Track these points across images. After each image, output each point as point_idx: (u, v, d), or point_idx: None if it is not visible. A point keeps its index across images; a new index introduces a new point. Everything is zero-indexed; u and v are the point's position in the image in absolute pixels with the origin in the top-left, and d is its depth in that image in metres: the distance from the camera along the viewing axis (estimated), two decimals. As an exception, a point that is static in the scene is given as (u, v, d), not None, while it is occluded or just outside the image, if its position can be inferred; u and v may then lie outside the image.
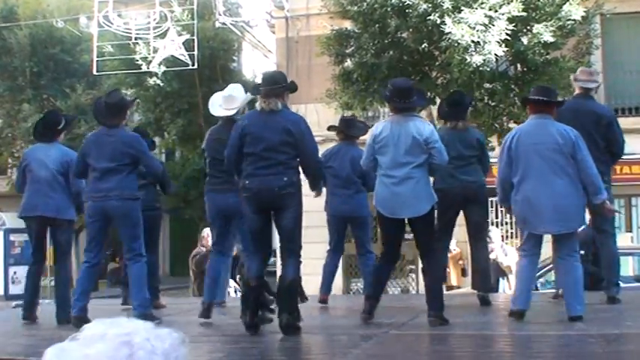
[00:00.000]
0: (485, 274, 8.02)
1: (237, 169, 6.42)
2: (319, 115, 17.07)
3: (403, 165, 6.49)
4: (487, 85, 13.73)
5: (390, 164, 6.55)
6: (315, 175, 6.59)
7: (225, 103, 7.23)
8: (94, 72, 20.85)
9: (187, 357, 1.33)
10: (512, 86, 14.15)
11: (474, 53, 12.92)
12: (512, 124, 14.31)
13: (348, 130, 8.80)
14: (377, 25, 14.30)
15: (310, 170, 6.48)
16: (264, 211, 6.29)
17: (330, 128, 9.15)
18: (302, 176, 6.50)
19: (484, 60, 13.05)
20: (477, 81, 13.43)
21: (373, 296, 6.72)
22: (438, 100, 14.71)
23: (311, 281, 8.95)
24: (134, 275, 7.33)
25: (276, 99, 6.35)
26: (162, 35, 20.21)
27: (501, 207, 7.25)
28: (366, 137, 7.20)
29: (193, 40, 19.63)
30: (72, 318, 7.11)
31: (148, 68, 21.17)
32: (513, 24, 13.14)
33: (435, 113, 15.26)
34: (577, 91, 7.96)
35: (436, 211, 7.07)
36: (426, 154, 6.50)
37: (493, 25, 12.91)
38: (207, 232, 10.98)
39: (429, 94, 14.56)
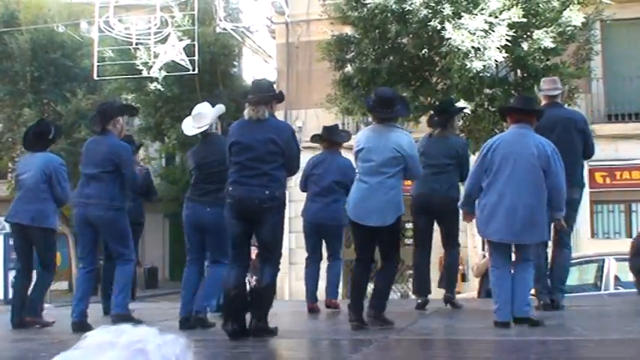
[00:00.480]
0: (453, 278, 8.49)
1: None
2: (319, 120, 17.05)
3: (378, 174, 6.57)
4: (487, 91, 13.74)
5: (367, 171, 6.64)
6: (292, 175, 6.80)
7: (195, 121, 7.25)
8: (95, 77, 20.89)
9: None
10: (513, 92, 14.15)
11: (474, 59, 12.93)
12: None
13: (332, 136, 8.81)
14: (377, 31, 14.33)
15: (290, 174, 6.60)
16: (245, 220, 6.25)
17: (312, 138, 9.16)
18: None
19: (484, 66, 13.07)
20: (477, 86, 13.45)
21: (354, 303, 6.69)
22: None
23: (302, 286, 8.99)
24: (119, 276, 7.34)
25: (264, 107, 6.33)
26: (163, 40, 20.24)
27: (460, 206, 7.25)
28: (351, 143, 7.27)
29: (194, 45, 19.67)
30: (72, 323, 7.12)
31: (149, 73, 21.21)
32: (513, 30, 13.16)
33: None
34: (544, 101, 8.00)
35: (412, 217, 7.39)
36: (401, 165, 6.59)
37: (493, 31, 12.93)
38: None
39: (428, 99, 14.60)
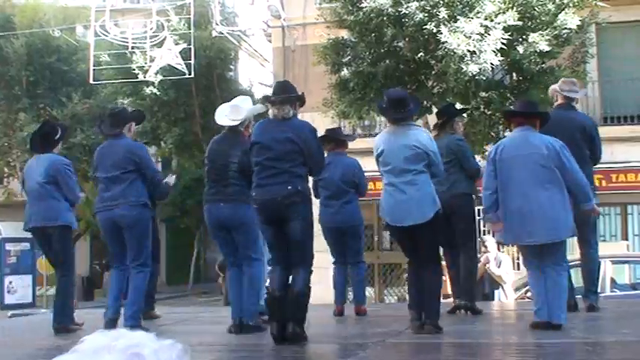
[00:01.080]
0: (468, 283, 8.10)
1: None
2: (316, 124, 17.01)
3: (405, 172, 6.48)
4: (483, 94, 13.77)
5: (392, 173, 6.56)
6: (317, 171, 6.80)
7: (230, 113, 7.22)
8: (91, 81, 20.88)
9: None
10: (508, 95, 14.18)
11: (469, 62, 12.95)
12: (507, 133, 14.35)
13: (338, 135, 8.87)
14: (373, 35, 14.34)
15: (314, 174, 6.71)
16: (274, 222, 6.23)
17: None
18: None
19: (480, 69, 13.09)
20: (472, 90, 13.47)
21: (415, 305, 6.59)
22: (434, 109, 14.79)
23: (316, 290, 8.96)
24: (135, 285, 7.26)
25: (290, 107, 6.38)
26: (159, 44, 20.25)
27: (483, 217, 7.17)
28: (358, 145, 7.25)
29: (190, 49, 19.67)
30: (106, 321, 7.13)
31: (145, 77, 21.20)
32: (509, 33, 13.18)
33: (431, 122, 15.33)
34: (560, 101, 7.99)
35: None
36: (425, 161, 6.50)
37: (489, 35, 12.95)
38: None
39: (425, 103, 14.61)
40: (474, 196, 8.20)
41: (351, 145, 9.32)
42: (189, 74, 19.66)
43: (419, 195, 6.42)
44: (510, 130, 7.16)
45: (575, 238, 7.53)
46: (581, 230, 7.28)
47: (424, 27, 13.36)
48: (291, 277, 6.18)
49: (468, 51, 12.88)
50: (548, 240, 6.46)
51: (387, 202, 6.57)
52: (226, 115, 7.26)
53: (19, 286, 22.59)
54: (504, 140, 6.99)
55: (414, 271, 6.64)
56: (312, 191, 7.89)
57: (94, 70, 20.61)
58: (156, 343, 1.30)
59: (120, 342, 1.27)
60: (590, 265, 7.92)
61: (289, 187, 6.13)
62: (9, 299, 21.31)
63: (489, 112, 14.06)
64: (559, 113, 7.75)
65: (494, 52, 12.97)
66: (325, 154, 8.66)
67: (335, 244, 8.67)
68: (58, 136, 8.04)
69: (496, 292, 12.25)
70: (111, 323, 7.00)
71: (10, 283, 21.96)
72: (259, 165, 6.23)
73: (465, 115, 9.85)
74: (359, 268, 8.64)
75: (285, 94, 6.45)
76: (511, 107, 7.42)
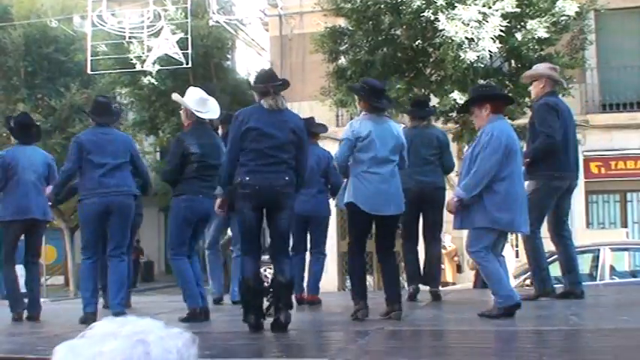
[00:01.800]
0: (435, 270, 8.41)
1: (233, 167, 6.24)
2: (313, 113, 17.00)
3: (389, 162, 6.59)
4: (481, 82, 13.74)
5: (375, 161, 6.56)
6: (304, 175, 6.49)
7: (199, 105, 7.21)
8: (89, 71, 20.86)
9: (197, 356, 1.33)
10: (507, 82, 14.17)
11: (468, 50, 12.94)
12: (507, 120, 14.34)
13: (311, 127, 8.85)
14: (370, 22, 14.33)
15: (301, 171, 6.37)
16: (261, 210, 6.20)
17: None
18: None
19: (478, 56, 13.08)
20: (471, 77, 13.46)
21: (363, 291, 6.74)
22: (433, 97, 14.78)
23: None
24: (120, 273, 7.38)
25: (282, 97, 6.34)
26: (156, 34, 20.21)
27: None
28: (337, 135, 7.25)
29: (187, 38, 19.64)
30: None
31: (142, 67, 21.18)
32: (507, 20, 13.16)
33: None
34: (550, 89, 7.90)
35: None
36: (398, 154, 6.70)
37: (487, 22, 12.93)
38: None
39: (423, 91, 14.60)
40: None
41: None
42: (187, 64, 19.63)
43: (398, 187, 6.61)
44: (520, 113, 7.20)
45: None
46: (554, 225, 7.40)
47: (422, 14, 13.33)
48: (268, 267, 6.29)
49: (466, 38, 12.86)
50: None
51: (366, 191, 6.55)
52: (195, 108, 7.19)
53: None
54: (502, 129, 6.92)
55: (359, 260, 6.90)
56: None
57: (91, 60, 20.58)
58: (163, 330, 1.30)
59: (126, 328, 1.28)
60: (567, 259, 7.84)
61: (286, 178, 6.12)
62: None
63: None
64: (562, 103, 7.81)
65: (493, 39, 12.96)
66: None
67: (297, 232, 8.66)
68: (36, 129, 8.29)
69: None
70: (93, 317, 6.98)
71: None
72: (257, 152, 6.15)
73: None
74: (319, 259, 8.74)
75: (276, 83, 6.35)
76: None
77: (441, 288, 9.08)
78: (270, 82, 6.34)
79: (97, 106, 7.67)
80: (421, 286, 8.37)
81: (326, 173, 8.47)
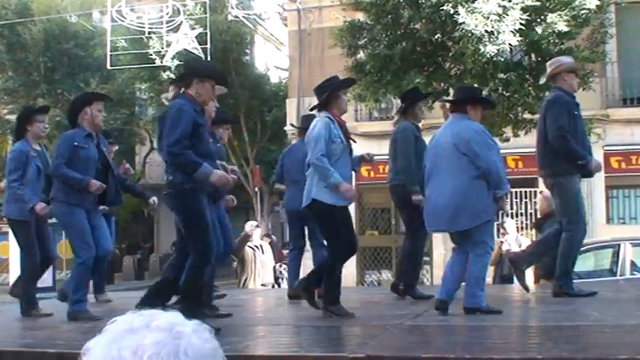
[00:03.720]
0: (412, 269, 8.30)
1: None
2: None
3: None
4: (501, 76, 13.67)
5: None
6: (174, 165, 5.97)
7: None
8: (108, 66, 20.95)
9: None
10: (527, 76, 14.07)
11: (487, 43, 12.86)
12: (526, 115, 14.26)
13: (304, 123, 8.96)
14: (390, 16, 14.26)
15: (166, 160, 6.03)
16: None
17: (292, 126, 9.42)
18: None
19: (498, 50, 12.99)
20: (490, 71, 13.38)
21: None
22: (451, 92, 14.70)
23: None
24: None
25: (175, 87, 6.25)
26: (175, 29, 20.26)
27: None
28: (375, 129, 7.25)
29: (206, 33, 19.67)
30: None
31: (162, 62, 21.23)
32: (527, 13, 13.06)
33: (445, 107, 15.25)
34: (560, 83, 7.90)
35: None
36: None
37: (507, 15, 12.84)
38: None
39: (442, 85, 14.54)
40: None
41: (367, 128, 9.39)
42: (206, 58, 19.66)
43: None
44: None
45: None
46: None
47: (441, 8, 13.26)
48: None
49: (486, 32, 12.78)
50: (450, 229, 6.67)
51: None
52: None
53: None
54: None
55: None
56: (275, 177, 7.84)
57: (111, 55, 20.67)
58: (189, 322, 1.32)
59: (160, 321, 1.29)
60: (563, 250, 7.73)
61: (170, 178, 5.99)
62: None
63: (508, 94, 13.95)
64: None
65: (513, 32, 12.87)
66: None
67: (293, 229, 8.91)
68: (23, 120, 7.95)
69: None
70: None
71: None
72: None
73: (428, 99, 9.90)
74: (319, 250, 8.67)
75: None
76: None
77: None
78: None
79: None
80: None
81: None
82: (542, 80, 7.85)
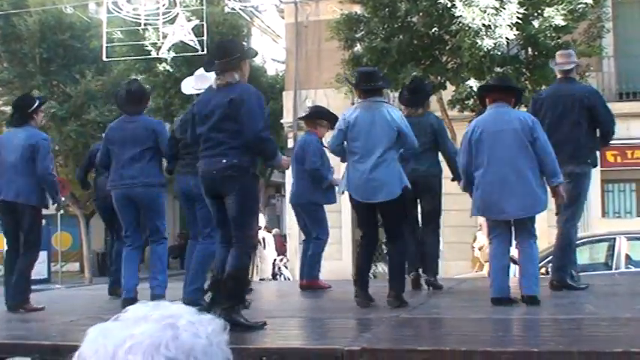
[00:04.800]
0: (433, 260, 8.18)
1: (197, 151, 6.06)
2: (329, 100, 17.04)
3: (375, 150, 6.63)
4: (498, 69, 13.67)
5: (363, 150, 6.68)
6: (258, 150, 5.82)
7: (196, 82, 7.16)
8: (104, 58, 20.88)
9: (227, 345, 1.35)
10: (524, 70, 14.09)
11: (484, 37, 12.86)
12: (523, 108, 14.25)
13: (320, 115, 8.98)
14: (387, 9, 14.26)
15: (251, 144, 5.70)
16: (215, 197, 5.88)
17: (300, 119, 9.47)
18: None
19: (495, 44, 13.00)
20: (487, 65, 13.38)
21: (360, 280, 6.77)
22: (448, 85, 14.72)
23: (330, 264, 9.02)
24: (158, 256, 7.50)
25: (232, 72, 5.82)
26: (172, 21, 20.19)
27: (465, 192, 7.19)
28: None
29: (202, 25, 19.62)
30: (122, 300, 7.26)
31: (158, 54, 21.19)
32: (524, 7, 13.07)
33: (445, 99, 15.26)
34: (558, 76, 7.93)
35: None
36: (395, 139, 6.66)
37: (504, 9, 12.84)
38: None
39: (439, 78, 14.54)
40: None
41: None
42: (202, 51, 19.61)
43: (387, 173, 6.67)
44: (484, 107, 7.12)
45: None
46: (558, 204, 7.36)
47: (438, 1, 13.26)
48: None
49: (483, 25, 12.78)
50: (522, 215, 6.56)
51: (355, 179, 6.76)
52: (192, 85, 7.22)
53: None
54: (479, 118, 6.97)
55: (364, 247, 7.02)
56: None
57: (106, 47, 20.59)
58: (194, 316, 1.32)
59: (156, 312, 1.30)
60: (562, 241, 7.73)
61: (224, 161, 5.70)
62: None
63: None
64: (556, 87, 7.75)
65: (510, 26, 12.87)
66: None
67: (299, 220, 8.92)
68: (32, 108, 7.79)
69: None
70: (127, 302, 7.01)
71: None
72: (201, 136, 5.92)
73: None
74: (313, 243, 8.73)
75: (223, 59, 5.88)
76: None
77: (457, 276, 9.05)
78: (215, 59, 5.98)
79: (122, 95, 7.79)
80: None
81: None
82: (569, 66, 7.80)
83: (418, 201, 8.19)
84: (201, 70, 7.21)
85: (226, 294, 5.60)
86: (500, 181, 6.49)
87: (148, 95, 8.12)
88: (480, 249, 13.83)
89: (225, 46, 6.19)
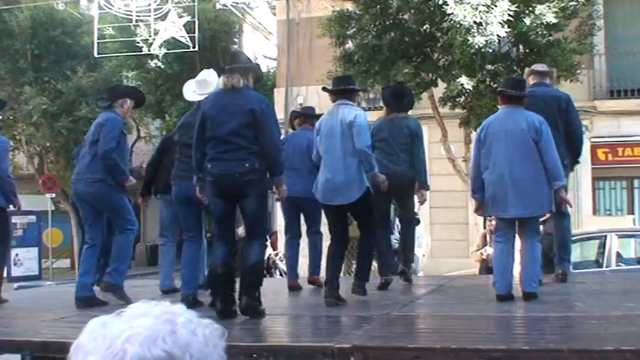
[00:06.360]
0: (406, 255, 8.51)
1: (201, 154, 6.18)
2: (320, 97, 17.00)
3: (336, 153, 6.83)
4: (489, 67, 13.69)
5: (325, 154, 6.94)
6: (272, 160, 6.18)
7: (198, 88, 7.16)
8: (95, 54, 20.83)
9: (224, 350, 1.36)
10: (515, 68, 14.09)
11: (476, 34, 12.86)
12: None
13: (308, 110, 9.03)
14: (378, 7, 14.25)
15: (268, 153, 6.10)
16: (227, 197, 6.09)
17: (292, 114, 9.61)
18: None
19: (486, 41, 13.01)
20: (478, 62, 13.39)
21: (330, 282, 6.78)
22: (440, 83, 14.72)
23: (306, 263, 8.98)
24: (118, 244, 7.46)
25: (239, 76, 6.14)
26: (163, 17, 20.16)
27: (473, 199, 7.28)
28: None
29: (194, 22, 19.59)
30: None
31: (149, 50, 21.16)
32: (515, 5, 13.08)
33: (436, 96, 15.27)
34: (533, 81, 8.05)
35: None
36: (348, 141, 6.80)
37: (495, 6, 12.85)
38: None
39: (430, 76, 14.54)
40: None
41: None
42: (194, 47, 19.60)
43: (347, 177, 6.83)
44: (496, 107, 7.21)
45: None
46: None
47: (430, -1, 13.26)
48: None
49: (475, 22, 12.79)
50: (526, 214, 6.60)
51: (319, 182, 7.08)
52: (194, 90, 7.21)
53: (25, 259, 22.79)
54: (490, 118, 7.01)
55: (335, 248, 7.07)
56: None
57: (98, 43, 20.55)
58: (193, 317, 1.35)
59: (157, 309, 1.32)
60: (561, 235, 7.90)
61: (247, 165, 5.99)
62: (15, 272, 21.38)
63: (495, 85, 13.97)
64: (535, 90, 7.81)
65: (501, 23, 12.88)
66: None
67: (288, 217, 8.86)
68: None
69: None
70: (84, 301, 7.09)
71: (17, 255, 22.07)
72: (215, 139, 6.13)
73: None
74: (314, 239, 8.70)
75: (235, 64, 6.27)
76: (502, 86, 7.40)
77: (449, 274, 9.09)
78: (228, 64, 6.35)
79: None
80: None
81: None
82: (542, 69, 7.93)
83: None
84: (201, 76, 7.24)
85: (249, 284, 5.99)
86: (506, 180, 6.54)
87: (120, 91, 8.08)
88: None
89: (242, 54, 6.85)
